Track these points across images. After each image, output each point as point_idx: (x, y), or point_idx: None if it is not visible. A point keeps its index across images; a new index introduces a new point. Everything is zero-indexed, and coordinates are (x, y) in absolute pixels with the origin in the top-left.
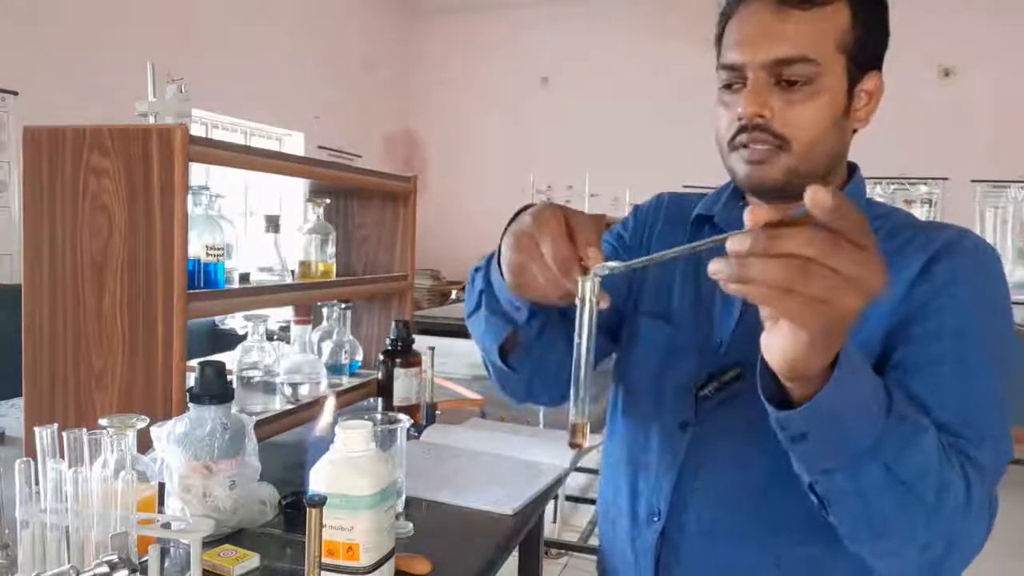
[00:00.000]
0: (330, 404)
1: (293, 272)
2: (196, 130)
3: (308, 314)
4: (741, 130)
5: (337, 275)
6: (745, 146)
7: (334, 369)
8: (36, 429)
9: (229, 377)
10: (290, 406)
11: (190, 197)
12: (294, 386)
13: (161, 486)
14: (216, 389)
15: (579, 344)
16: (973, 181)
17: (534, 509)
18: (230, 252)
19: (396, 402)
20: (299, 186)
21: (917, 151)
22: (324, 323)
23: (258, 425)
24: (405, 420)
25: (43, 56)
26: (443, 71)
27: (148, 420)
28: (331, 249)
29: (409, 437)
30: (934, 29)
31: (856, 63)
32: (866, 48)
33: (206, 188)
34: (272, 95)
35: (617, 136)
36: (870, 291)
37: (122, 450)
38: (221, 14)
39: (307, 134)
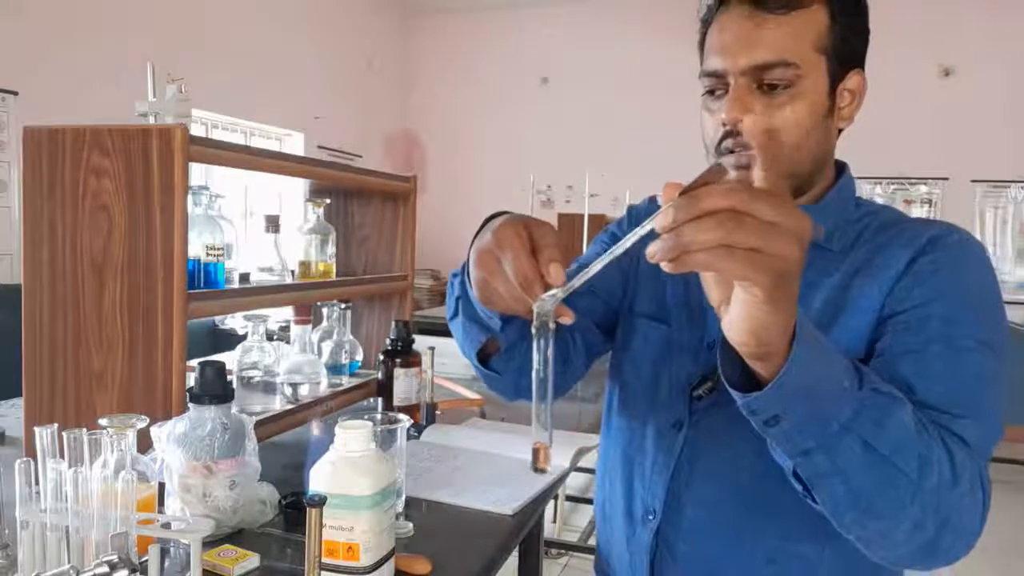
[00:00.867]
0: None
1: (293, 272)
2: (196, 130)
3: (308, 314)
4: (727, 135)
5: (337, 275)
6: (732, 151)
7: (334, 369)
8: (36, 429)
9: (229, 377)
10: (290, 406)
11: (190, 197)
12: (294, 386)
13: (161, 486)
14: (216, 389)
15: (537, 371)
16: (973, 181)
17: (534, 509)
18: (230, 252)
19: (396, 402)
20: (299, 186)
21: (917, 151)
22: (324, 323)
23: (258, 425)
24: (405, 420)
25: (43, 56)
26: (443, 71)
27: (148, 420)
28: (331, 249)
29: (409, 437)
30: (934, 29)
31: (837, 63)
32: (847, 48)
33: (206, 188)
34: (272, 95)
35: (617, 136)
36: (798, 233)
37: (122, 450)
38: (221, 14)
39: (307, 134)
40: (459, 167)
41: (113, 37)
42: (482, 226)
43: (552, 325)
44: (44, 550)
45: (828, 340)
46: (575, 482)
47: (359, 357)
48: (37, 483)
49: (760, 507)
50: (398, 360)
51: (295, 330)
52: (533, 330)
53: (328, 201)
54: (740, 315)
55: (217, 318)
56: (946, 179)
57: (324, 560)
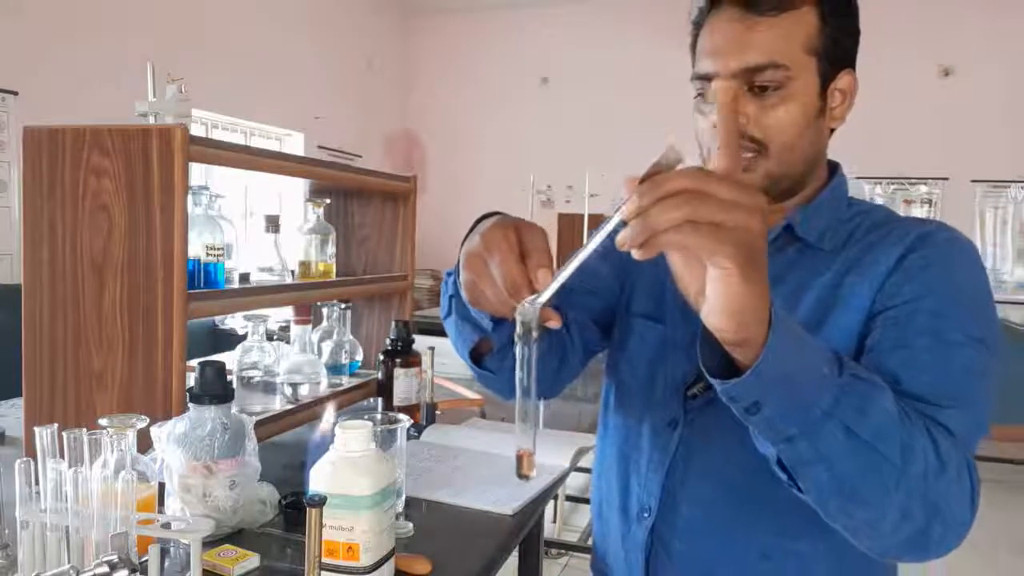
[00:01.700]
0: (331, 409)
1: (293, 272)
2: (196, 130)
3: (308, 314)
4: None
5: (337, 275)
6: None
7: (334, 369)
8: (36, 429)
9: (229, 377)
10: (290, 406)
11: (190, 197)
12: (294, 386)
13: (161, 486)
14: (216, 389)
15: (521, 379)
16: (973, 181)
17: (534, 509)
18: (230, 252)
19: (396, 402)
20: (299, 186)
21: (917, 151)
22: (324, 323)
23: (258, 425)
24: (405, 420)
25: (43, 56)
26: (443, 71)
27: (148, 420)
28: (331, 249)
29: (409, 437)
30: (934, 29)
31: (828, 63)
32: (837, 48)
33: (206, 188)
34: (272, 95)
35: (617, 136)
36: (756, 208)
37: (122, 450)
38: (221, 14)
39: (307, 134)
40: (459, 167)
41: (113, 37)
42: (473, 226)
43: (535, 333)
44: (44, 550)
45: (820, 339)
46: (575, 482)
47: (359, 357)
48: (37, 483)
49: (755, 504)
50: (398, 360)
51: (295, 330)
52: (516, 337)
53: (328, 201)
54: (716, 295)
55: (217, 318)
56: (946, 179)
57: (324, 560)
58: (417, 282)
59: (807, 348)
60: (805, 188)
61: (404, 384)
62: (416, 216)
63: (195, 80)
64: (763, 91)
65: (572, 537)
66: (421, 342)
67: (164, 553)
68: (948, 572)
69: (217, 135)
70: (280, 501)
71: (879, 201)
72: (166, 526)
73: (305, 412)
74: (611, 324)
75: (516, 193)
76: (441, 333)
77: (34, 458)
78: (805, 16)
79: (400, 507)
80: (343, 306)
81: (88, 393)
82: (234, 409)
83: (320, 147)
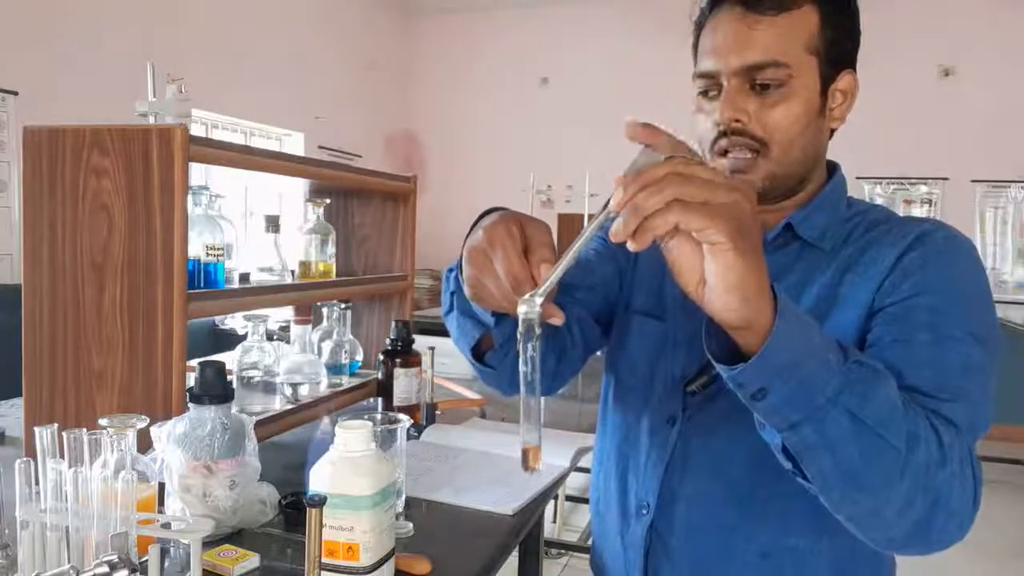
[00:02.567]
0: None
1: (293, 272)
2: (196, 130)
3: (308, 314)
4: (721, 135)
5: (337, 275)
6: (726, 152)
7: (334, 369)
8: (36, 429)
9: (229, 377)
10: (290, 406)
11: (190, 197)
12: (294, 386)
13: (161, 486)
14: (216, 389)
15: (525, 373)
16: (973, 181)
17: (534, 509)
18: (230, 252)
19: (396, 402)
20: (299, 186)
21: (917, 151)
22: (324, 323)
23: (258, 425)
24: (405, 420)
25: (43, 56)
26: (443, 71)
27: (148, 420)
28: (331, 249)
29: (409, 437)
30: (934, 29)
31: (828, 63)
32: (837, 48)
33: (206, 188)
34: (272, 95)
35: (617, 136)
36: (739, 186)
37: (122, 450)
38: (221, 14)
39: (307, 134)
40: (459, 167)
41: (113, 37)
42: (477, 221)
43: (538, 329)
44: (44, 550)
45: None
46: (575, 482)
47: (359, 357)
48: (37, 483)
49: (754, 501)
50: (398, 360)
51: (295, 330)
52: (519, 334)
53: (328, 201)
54: (713, 273)
55: (217, 318)
56: (946, 179)
57: (324, 560)
58: (417, 282)
59: (812, 334)
60: (805, 187)
61: (404, 384)
62: (416, 216)
63: (195, 80)
64: (764, 89)
65: (572, 537)
66: (421, 342)
67: (164, 553)
68: (948, 572)
69: (217, 135)
70: (280, 501)
71: (879, 201)
72: (166, 526)
73: (305, 412)
74: (611, 321)
75: (516, 193)
76: (441, 333)
77: (34, 458)
78: (806, 16)
79: (400, 507)
80: (343, 306)
81: (88, 393)
82: (234, 409)
83: (320, 147)
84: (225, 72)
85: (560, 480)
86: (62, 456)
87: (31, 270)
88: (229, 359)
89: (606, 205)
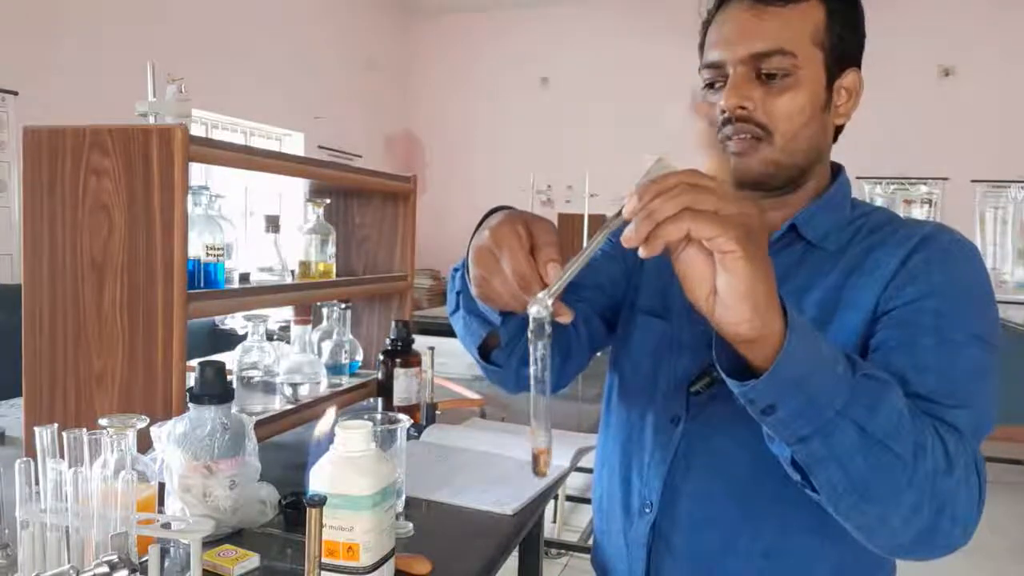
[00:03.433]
0: (331, 413)
1: (293, 272)
2: (196, 130)
3: (308, 314)
4: (725, 123)
5: (337, 275)
6: (729, 139)
7: (334, 369)
8: (36, 429)
9: (229, 377)
10: (290, 406)
11: (190, 197)
12: (294, 386)
13: (161, 486)
14: (216, 389)
15: (535, 372)
16: (973, 181)
17: (534, 509)
18: (230, 252)
19: (396, 402)
20: (299, 186)
21: (917, 151)
22: (324, 323)
23: (258, 425)
24: (405, 420)
25: (43, 56)
26: (443, 71)
27: (148, 420)
28: (331, 249)
29: (409, 437)
30: (934, 29)
31: (834, 59)
32: (843, 45)
33: (206, 188)
34: (272, 95)
35: (617, 136)
36: (748, 199)
37: (122, 450)
38: (221, 14)
39: (307, 134)
40: (459, 167)
41: (113, 37)
42: (483, 220)
43: (548, 328)
44: (44, 550)
45: (817, 330)
46: (575, 482)
47: (359, 357)
48: (37, 483)
49: (756, 501)
50: (398, 360)
51: (295, 330)
52: (529, 333)
53: (328, 201)
54: (726, 284)
55: (217, 318)
56: (946, 179)
57: (324, 560)
58: (417, 282)
59: (821, 347)
60: (807, 182)
61: (404, 384)
62: (416, 216)
63: (195, 80)
64: (770, 79)
65: (572, 537)
66: (421, 342)
67: (164, 553)
68: (948, 572)
69: (217, 135)
70: (280, 501)
71: (879, 201)
72: (166, 526)
73: (305, 412)
74: (616, 320)
75: (516, 193)
76: (441, 333)
77: (34, 458)
78: (813, 9)
79: (400, 507)
80: (343, 306)
81: (88, 393)
82: (234, 409)
83: (320, 147)
84: (225, 72)
85: (560, 480)
86: (62, 456)
87: (31, 270)
88: (229, 359)
89: (619, 212)
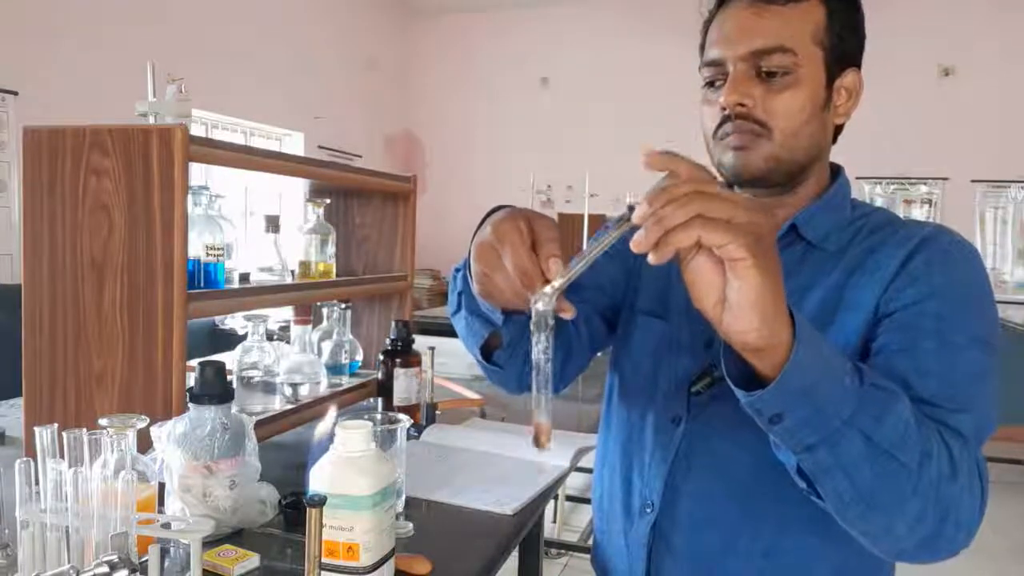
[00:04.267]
0: (331, 414)
1: (293, 272)
2: (196, 130)
3: (308, 314)
4: (725, 120)
5: (337, 275)
6: (729, 135)
7: (334, 369)
8: (36, 429)
9: (229, 377)
10: (290, 406)
11: (190, 197)
12: (294, 386)
13: (161, 486)
14: (216, 389)
15: (538, 367)
16: (973, 181)
17: (534, 509)
18: (230, 252)
19: (396, 402)
20: (299, 186)
21: (917, 151)
22: (324, 323)
23: (258, 425)
24: (405, 420)
25: (43, 56)
26: (443, 71)
27: (148, 420)
28: (331, 249)
29: (409, 437)
30: (934, 29)
31: (834, 59)
32: (843, 44)
33: (206, 188)
34: (272, 95)
35: (617, 136)
36: (760, 208)
37: (122, 450)
38: (221, 14)
39: (307, 134)
40: (459, 167)
41: (113, 37)
42: (484, 218)
43: (551, 322)
44: (44, 550)
45: (825, 338)
46: (575, 482)
47: (359, 357)
48: (37, 483)
49: (757, 501)
50: (398, 360)
51: (295, 330)
52: (532, 326)
53: (328, 201)
54: (735, 292)
55: (217, 318)
56: (946, 179)
57: (324, 560)
58: (417, 282)
59: (828, 358)
60: (807, 182)
61: (404, 384)
62: (416, 216)
63: (195, 80)
64: (771, 76)
65: (572, 537)
66: (421, 342)
67: (164, 553)
68: (948, 572)
69: (217, 135)
70: (280, 501)
71: (879, 201)
72: (166, 526)
73: (305, 412)
74: (617, 321)
75: (516, 193)
76: (441, 333)
77: (34, 458)
78: (813, 9)
79: (400, 507)
80: (343, 306)
81: (88, 393)
82: (234, 409)
83: (320, 147)
84: (225, 72)
85: (560, 480)
86: (62, 456)
87: (31, 270)
88: (229, 359)
89: (628, 217)
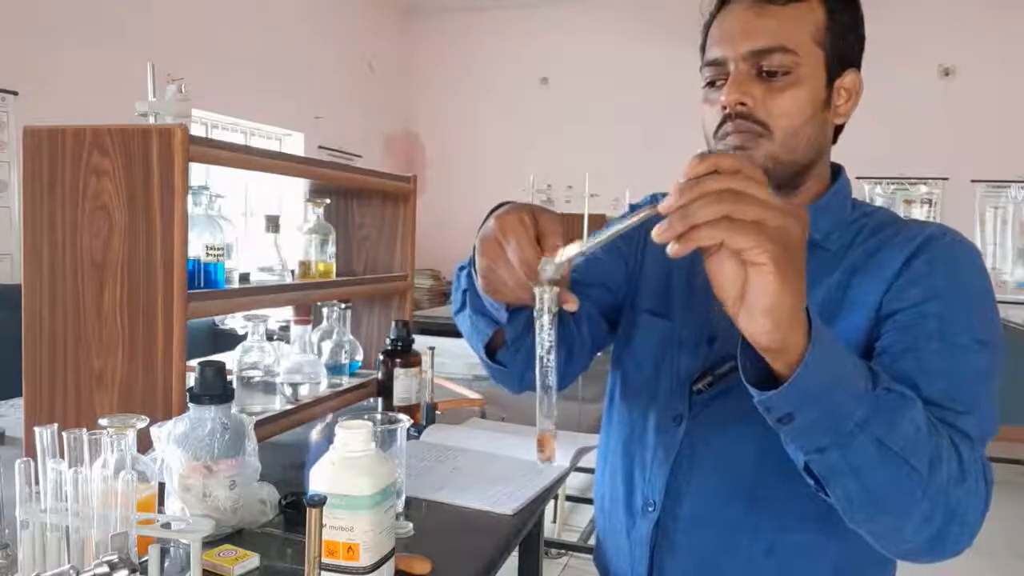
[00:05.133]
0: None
1: (293, 272)
2: (196, 130)
3: (308, 314)
4: (725, 119)
5: (337, 275)
6: (729, 135)
7: (334, 369)
8: (36, 429)
9: (229, 377)
10: (290, 406)
11: (190, 197)
12: (294, 386)
13: (161, 486)
14: (216, 389)
15: (541, 356)
16: (973, 181)
17: (534, 509)
18: (230, 252)
19: (396, 402)
20: (299, 186)
21: (917, 151)
22: (324, 323)
23: (258, 425)
24: (405, 420)
25: (43, 56)
26: (443, 71)
27: (148, 420)
28: (331, 249)
29: (409, 437)
30: (934, 29)
31: (834, 59)
32: (843, 45)
33: (206, 188)
34: (272, 95)
35: (617, 136)
36: (795, 211)
37: (122, 450)
38: (221, 14)
39: (307, 134)
40: (459, 167)
41: (113, 37)
42: (489, 215)
43: (555, 308)
44: (44, 550)
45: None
46: (575, 482)
47: (359, 357)
48: (37, 483)
49: (759, 499)
50: (398, 360)
51: (295, 330)
52: (535, 311)
53: (328, 201)
54: (754, 294)
55: (217, 318)
56: (946, 179)
57: (324, 560)
58: (417, 282)
59: (844, 361)
60: (808, 182)
61: (404, 384)
62: (416, 216)
63: (195, 80)
64: (771, 76)
65: (572, 537)
66: (421, 342)
67: (164, 553)
68: (948, 571)
69: (217, 135)
70: (280, 501)
71: (879, 201)
72: (166, 526)
73: (305, 412)
74: (618, 319)
75: (516, 193)
76: (441, 333)
77: (34, 458)
78: (813, 9)
79: (400, 507)
80: (343, 306)
81: (88, 393)
82: (234, 409)
83: (320, 147)
84: (225, 72)
85: (560, 480)
86: (62, 456)
87: (31, 270)
88: (229, 359)
89: (654, 206)
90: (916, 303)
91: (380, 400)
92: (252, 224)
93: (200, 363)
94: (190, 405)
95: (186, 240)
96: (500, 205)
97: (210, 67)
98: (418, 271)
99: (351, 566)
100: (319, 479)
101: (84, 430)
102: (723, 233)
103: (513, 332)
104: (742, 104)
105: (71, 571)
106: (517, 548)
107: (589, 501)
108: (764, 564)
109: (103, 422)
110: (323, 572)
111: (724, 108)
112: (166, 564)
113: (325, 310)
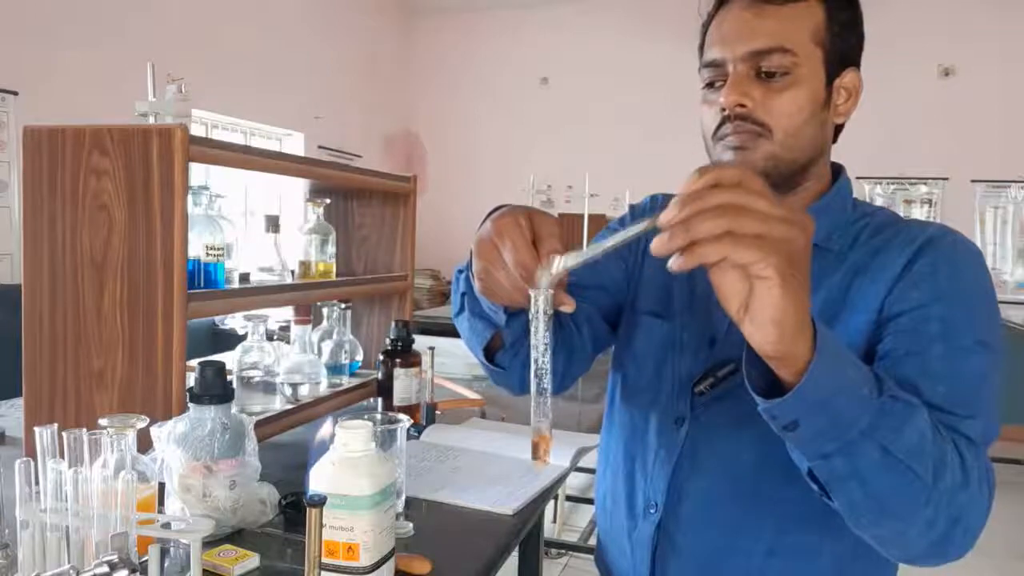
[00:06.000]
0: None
1: (293, 272)
2: (196, 130)
3: (308, 314)
4: (724, 121)
5: (337, 275)
6: (728, 135)
7: (334, 369)
8: (36, 429)
9: (229, 377)
10: (290, 406)
11: (190, 197)
12: (294, 386)
13: (161, 486)
14: (216, 389)
15: (536, 359)
16: (973, 181)
17: (534, 509)
18: (230, 252)
19: (396, 402)
20: (299, 186)
21: (917, 151)
22: (324, 323)
23: (258, 425)
24: (405, 420)
25: (43, 56)
26: (443, 71)
27: (148, 420)
28: (331, 249)
29: (409, 437)
30: (934, 29)
31: (833, 58)
32: (843, 44)
33: (206, 188)
34: (272, 95)
35: (617, 136)
36: (799, 221)
37: (122, 450)
38: (221, 14)
39: (307, 134)
40: (459, 167)
41: (113, 37)
42: (487, 217)
43: (550, 311)
44: (44, 550)
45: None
46: (575, 482)
47: (359, 357)
48: (37, 483)
49: (760, 500)
50: (398, 360)
51: (295, 330)
52: (530, 314)
53: (328, 201)
54: (758, 306)
55: (217, 318)
56: (946, 179)
57: (324, 560)
58: (417, 282)
59: (849, 369)
60: (808, 181)
61: (404, 384)
62: (416, 216)
63: (195, 80)
64: (770, 77)
65: (572, 537)
66: (421, 342)
67: (164, 553)
68: (948, 571)
69: (217, 135)
70: (280, 501)
71: (879, 201)
72: (166, 526)
73: (305, 412)
74: (619, 321)
75: (516, 193)
76: (441, 333)
77: (34, 458)
78: (812, 8)
79: (400, 507)
80: (343, 306)
81: (88, 393)
82: (234, 409)
83: (320, 147)
84: (225, 72)
85: (560, 480)
86: (62, 456)
87: (31, 270)
88: (229, 359)
89: (654, 217)
90: (918, 305)
91: (380, 400)
92: (252, 224)
93: (200, 363)
94: (190, 405)
95: (186, 240)
96: (497, 208)
97: (210, 67)
98: (418, 271)
99: (351, 566)
100: (319, 479)
101: (84, 430)
102: (726, 248)
103: (512, 335)
104: (741, 105)
105: (71, 571)
106: (517, 548)
107: (589, 501)
108: (765, 565)
109: (103, 422)
110: (323, 572)
111: (723, 109)
112: (166, 564)
113: (325, 310)
